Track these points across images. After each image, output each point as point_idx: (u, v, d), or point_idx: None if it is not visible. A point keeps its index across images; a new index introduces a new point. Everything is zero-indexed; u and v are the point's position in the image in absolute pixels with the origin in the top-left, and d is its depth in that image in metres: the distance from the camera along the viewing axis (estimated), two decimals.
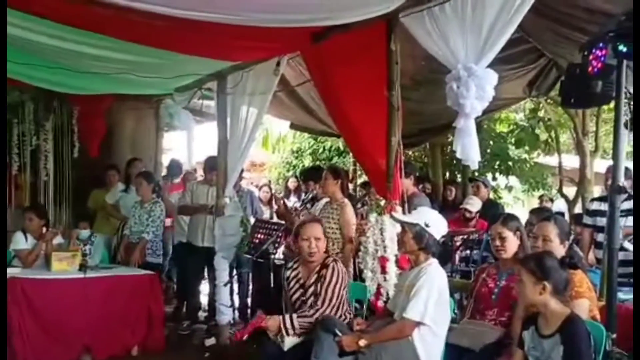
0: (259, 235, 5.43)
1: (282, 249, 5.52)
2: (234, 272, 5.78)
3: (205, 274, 6.18)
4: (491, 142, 8.03)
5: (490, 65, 3.28)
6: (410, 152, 7.99)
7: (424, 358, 2.93)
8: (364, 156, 4.04)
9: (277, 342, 3.44)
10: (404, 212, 3.70)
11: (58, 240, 5.39)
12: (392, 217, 3.50)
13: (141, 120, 7.62)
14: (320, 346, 3.05)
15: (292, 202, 8.34)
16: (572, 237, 3.93)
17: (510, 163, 8.25)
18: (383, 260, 3.71)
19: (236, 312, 6.23)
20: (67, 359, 4.70)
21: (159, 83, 5.42)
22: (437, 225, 3.19)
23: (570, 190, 7.99)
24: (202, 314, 6.43)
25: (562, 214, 6.58)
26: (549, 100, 7.37)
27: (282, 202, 5.58)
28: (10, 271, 4.72)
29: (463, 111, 3.27)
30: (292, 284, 3.71)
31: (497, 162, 8.11)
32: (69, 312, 4.70)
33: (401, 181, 3.86)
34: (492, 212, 6.32)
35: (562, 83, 3.46)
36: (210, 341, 5.54)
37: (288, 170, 11.76)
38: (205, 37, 3.88)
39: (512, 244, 3.18)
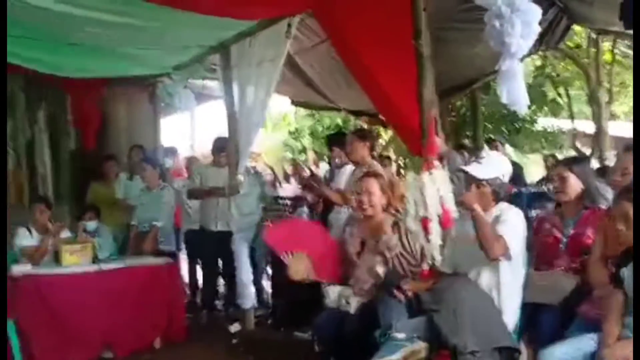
0: (277, 213, 5.18)
1: None
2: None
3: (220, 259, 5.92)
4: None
5: None
6: None
7: (504, 312, 2.70)
8: (394, 113, 3.77)
9: (341, 305, 3.22)
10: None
11: (65, 233, 5.09)
12: (465, 172, 3.21)
13: (136, 107, 7.30)
14: (388, 306, 2.81)
15: (293, 185, 8.15)
16: None
17: (518, 124, 8.06)
18: (425, 221, 3.48)
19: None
20: (87, 357, 4.45)
21: (156, 58, 5.09)
22: (509, 172, 2.98)
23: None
24: (218, 302, 6.21)
25: None
26: (556, 55, 7.16)
27: (309, 171, 5.30)
28: (20, 269, 4.45)
29: (508, 51, 3.00)
30: (350, 241, 3.49)
31: (505, 124, 7.91)
32: (86, 308, 4.44)
33: (437, 137, 3.63)
34: (514, 172, 6.13)
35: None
36: (235, 327, 5.30)
37: (286, 152, 11.51)
38: None
39: (573, 186, 2.96)
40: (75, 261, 4.64)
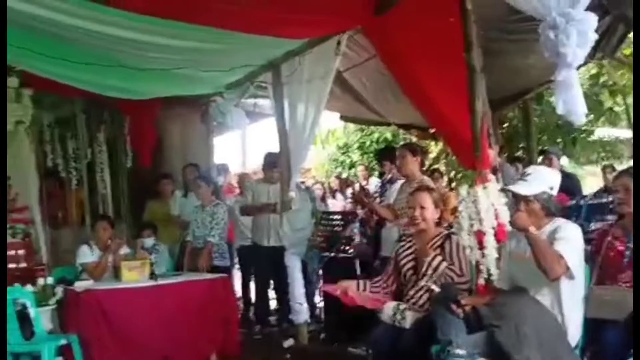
0: (328, 229, 5.20)
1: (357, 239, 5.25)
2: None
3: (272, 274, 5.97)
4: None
5: None
6: None
7: (566, 328, 2.63)
8: (446, 127, 3.77)
9: (397, 320, 3.22)
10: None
11: (124, 250, 5.26)
12: (510, 191, 3.14)
13: (189, 126, 7.46)
14: (446, 321, 2.77)
15: (339, 200, 8.18)
16: None
17: (574, 134, 7.84)
18: (480, 235, 3.43)
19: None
20: None
21: (212, 79, 5.23)
22: (557, 183, 2.90)
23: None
24: (271, 317, 6.26)
25: None
26: (613, 63, 6.95)
27: (359, 185, 5.31)
28: (83, 284, 4.63)
29: (564, 61, 2.95)
30: (403, 257, 3.50)
31: (561, 135, 7.71)
32: (145, 322, 4.56)
33: (490, 150, 3.59)
34: (569, 183, 5.97)
35: None
36: (288, 342, 5.32)
37: (336, 168, 11.53)
38: (262, 14, 3.68)
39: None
40: (134, 277, 4.78)
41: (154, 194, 6.69)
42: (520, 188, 2.90)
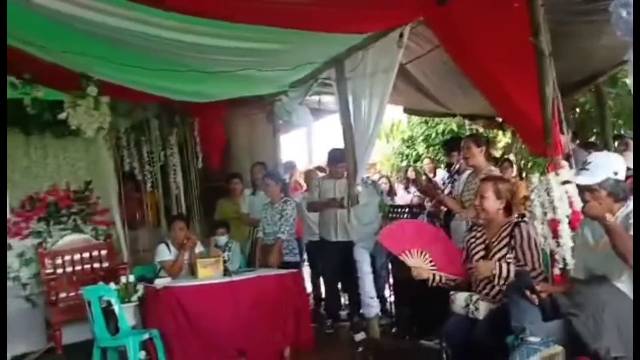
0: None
1: None
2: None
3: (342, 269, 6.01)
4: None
5: None
6: None
7: None
8: (515, 114, 3.69)
9: (470, 311, 3.21)
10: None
11: (199, 248, 5.44)
12: (566, 181, 3.09)
13: (256, 126, 7.65)
14: (520, 308, 2.72)
15: (412, 192, 8.09)
16: None
17: None
18: (554, 224, 3.37)
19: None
20: None
21: (276, 78, 5.33)
22: (622, 167, 2.78)
23: None
24: (342, 312, 6.30)
25: None
26: None
27: (427, 177, 5.28)
28: (161, 282, 4.83)
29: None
30: (473, 247, 3.48)
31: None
32: (221, 317, 4.67)
33: (561, 136, 3.49)
34: None
35: None
36: (360, 336, 5.37)
37: (402, 161, 11.45)
38: (324, 10, 3.72)
39: None
40: (209, 274, 4.93)
41: (224, 193, 6.86)
42: (583, 178, 2.79)
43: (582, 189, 2.83)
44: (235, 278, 4.87)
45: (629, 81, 3.05)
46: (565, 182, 3.13)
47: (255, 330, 4.78)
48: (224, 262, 5.18)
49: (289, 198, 5.96)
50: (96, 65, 4.75)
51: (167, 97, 5.88)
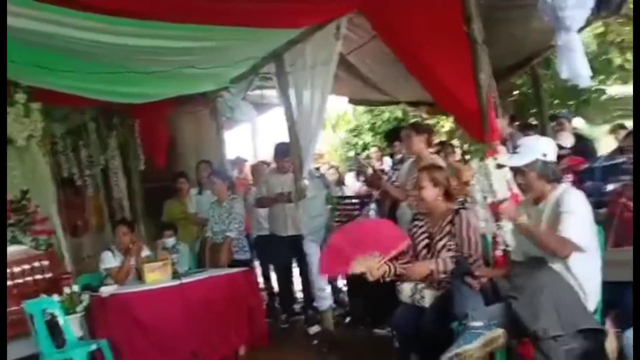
0: (345, 213, 5.20)
1: None
2: None
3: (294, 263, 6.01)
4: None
5: None
6: None
7: (585, 297, 2.61)
8: (451, 101, 3.72)
9: (416, 300, 3.25)
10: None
11: (145, 252, 5.32)
12: (499, 165, 3.17)
13: (200, 123, 7.53)
14: (462, 295, 2.78)
15: (357, 184, 8.13)
16: None
17: (585, 95, 7.71)
18: (493, 207, 3.42)
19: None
20: None
21: (216, 75, 5.24)
22: (551, 149, 2.87)
23: None
24: (296, 306, 6.30)
25: None
26: (619, 20, 6.80)
27: (371, 168, 5.29)
28: (108, 289, 4.69)
29: (563, 25, 2.93)
30: (417, 236, 3.51)
31: (573, 97, 7.59)
32: (172, 321, 4.59)
33: (498, 120, 3.56)
34: (584, 146, 5.90)
35: None
36: (314, 329, 5.38)
37: (349, 151, 11.50)
38: (258, 7, 3.67)
39: None
40: (157, 278, 4.84)
41: (171, 193, 6.74)
42: (512, 161, 2.90)
43: (515, 173, 2.92)
44: (184, 280, 4.79)
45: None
46: (499, 166, 3.19)
47: (208, 332, 4.73)
48: (173, 264, 5.09)
49: (236, 195, 5.89)
50: (26, 71, 4.55)
51: (106, 100, 5.69)
